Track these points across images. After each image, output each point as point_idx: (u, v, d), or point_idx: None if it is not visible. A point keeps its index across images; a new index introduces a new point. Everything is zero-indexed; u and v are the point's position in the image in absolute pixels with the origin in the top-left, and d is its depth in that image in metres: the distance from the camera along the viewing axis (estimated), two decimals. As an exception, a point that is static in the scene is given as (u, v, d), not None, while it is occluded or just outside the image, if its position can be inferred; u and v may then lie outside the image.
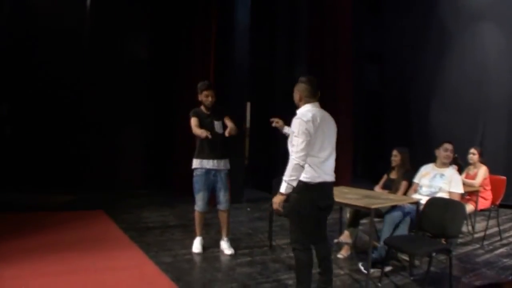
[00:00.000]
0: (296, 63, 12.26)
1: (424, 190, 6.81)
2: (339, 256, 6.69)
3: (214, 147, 6.51)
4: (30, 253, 6.10)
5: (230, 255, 6.58)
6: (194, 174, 6.61)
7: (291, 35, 12.43)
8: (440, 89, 12.75)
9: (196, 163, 6.58)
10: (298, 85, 5.00)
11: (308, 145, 4.60)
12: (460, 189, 6.67)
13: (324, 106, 5.04)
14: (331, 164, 4.89)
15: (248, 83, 11.16)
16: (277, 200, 4.67)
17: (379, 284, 5.58)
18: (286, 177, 4.57)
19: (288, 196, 4.72)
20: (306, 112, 4.80)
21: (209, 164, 6.52)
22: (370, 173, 7.46)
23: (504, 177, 8.37)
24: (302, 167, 4.57)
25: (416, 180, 7.04)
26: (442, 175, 6.76)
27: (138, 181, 11.65)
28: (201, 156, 6.54)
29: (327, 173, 4.83)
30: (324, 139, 4.79)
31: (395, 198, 6.42)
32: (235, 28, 10.76)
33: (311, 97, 4.93)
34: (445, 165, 6.92)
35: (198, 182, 6.58)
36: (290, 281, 5.65)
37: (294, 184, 4.58)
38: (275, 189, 6.79)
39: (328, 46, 12.15)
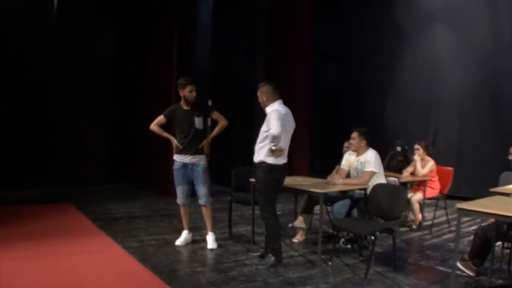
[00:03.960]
0: (255, 62, 12.69)
1: None
2: (294, 240, 7.14)
3: (193, 142, 6.63)
4: (2, 242, 6.35)
5: (211, 249, 6.68)
6: (173, 167, 6.80)
7: (251, 35, 12.80)
8: (395, 87, 13.30)
9: (175, 156, 6.76)
10: (261, 89, 5.93)
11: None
12: (370, 168, 6.86)
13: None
14: (287, 151, 5.93)
15: (209, 82, 11.52)
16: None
17: (330, 263, 6.03)
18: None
19: (256, 178, 5.93)
20: (278, 107, 5.81)
21: (186, 158, 6.65)
22: (327, 168, 7.87)
23: (451, 168, 8.91)
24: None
25: (345, 167, 7.26)
26: (361, 162, 7.02)
27: (103, 175, 11.91)
28: (179, 151, 6.68)
29: (284, 158, 5.88)
30: (286, 132, 5.82)
31: (344, 183, 6.80)
32: (197, 28, 11.11)
33: (275, 95, 5.90)
34: (361, 151, 7.10)
35: (176, 176, 6.77)
36: (247, 261, 6.10)
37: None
38: (234, 179, 7.30)
39: (286, 46, 12.56)
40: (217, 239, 6.92)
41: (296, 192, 7.09)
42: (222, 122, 6.75)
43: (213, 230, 6.92)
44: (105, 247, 6.56)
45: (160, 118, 6.78)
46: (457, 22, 11.96)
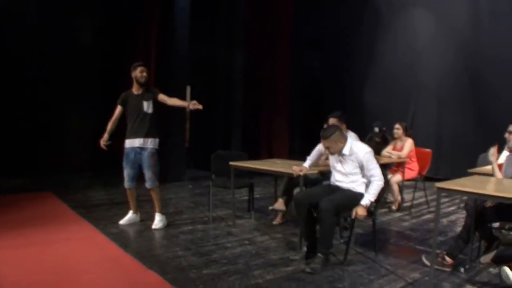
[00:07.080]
0: (235, 48, 12.70)
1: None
2: (274, 222, 7.20)
3: (141, 126, 6.81)
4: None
5: (154, 229, 6.88)
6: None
7: (231, 21, 12.79)
8: (374, 71, 13.38)
9: (126, 141, 6.95)
10: (330, 138, 5.57)
11: None
12: None
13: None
14: None
15: (189, 68, 11.46)
16: (363, 213, 5.43)
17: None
18: (373, 196, 5.42)
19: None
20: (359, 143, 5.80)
21: (134, 142, 6.84)
22: (306, 150, 7.92)
23: (429, 150, 9.01)
24: None
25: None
26: None
27: (84, 164, 11.92)
28: (128, 135, 6.89)
29: None
30: None
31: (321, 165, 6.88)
32: (176, 16, 11.03)
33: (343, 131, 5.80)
34: None
35: (124, 160, 6.98)
36: (228, 244, 6.14)
37: None
38: (214, 164, 7.32)
39: (267, 33, 12.60)
40: (197, 223, 7.08)
41: (275, 175, 7.11)
42: (174, 99, 6.93)
43: (161, 212, 7.12)
44: (87, 234, 6.57)
45: (117, 110, 7.07)
46: (436, 6, 12.06)
